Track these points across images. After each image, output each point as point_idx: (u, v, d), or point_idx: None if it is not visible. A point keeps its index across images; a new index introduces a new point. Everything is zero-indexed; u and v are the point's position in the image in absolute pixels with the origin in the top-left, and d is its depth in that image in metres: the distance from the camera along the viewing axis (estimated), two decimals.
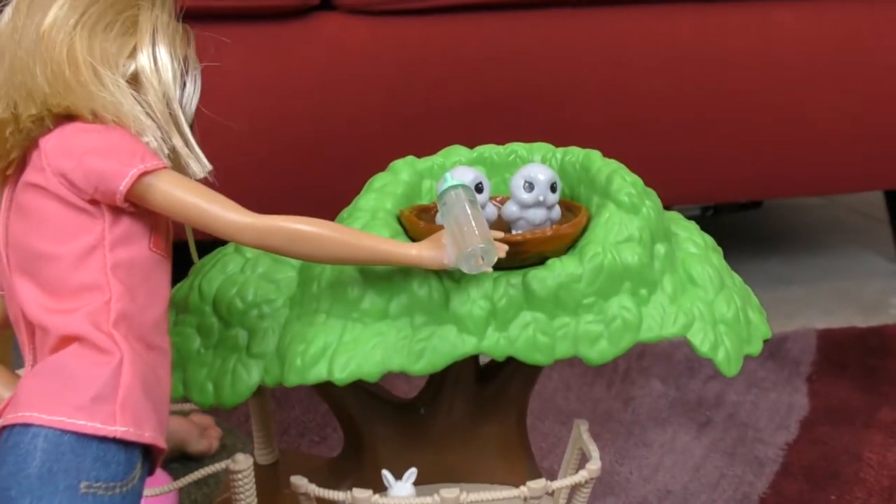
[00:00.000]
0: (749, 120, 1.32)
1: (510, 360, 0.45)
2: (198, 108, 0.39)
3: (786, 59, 1.27)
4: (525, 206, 0.39)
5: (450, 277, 0.38)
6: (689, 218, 0.44)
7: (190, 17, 0.89)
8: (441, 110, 1.16)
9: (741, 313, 0.39)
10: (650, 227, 0.39)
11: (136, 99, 0.35)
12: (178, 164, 0.36)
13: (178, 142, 0.36)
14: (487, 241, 0.35)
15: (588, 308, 0.38)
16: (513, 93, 1.17)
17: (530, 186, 0.39)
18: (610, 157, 0.44)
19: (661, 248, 0.39)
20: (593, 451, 0.42)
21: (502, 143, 0.46)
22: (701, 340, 0.38)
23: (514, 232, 0.40)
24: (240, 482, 0.41)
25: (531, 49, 1.20)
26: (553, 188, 0.40)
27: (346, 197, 0.66)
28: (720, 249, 0.43)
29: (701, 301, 0.39)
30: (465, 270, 0.35)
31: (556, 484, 0.41)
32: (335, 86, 0.99)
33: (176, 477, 0.51)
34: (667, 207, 0.46)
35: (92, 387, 0.32)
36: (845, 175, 1.38)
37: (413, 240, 0.39)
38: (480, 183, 0.39)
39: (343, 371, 0.37)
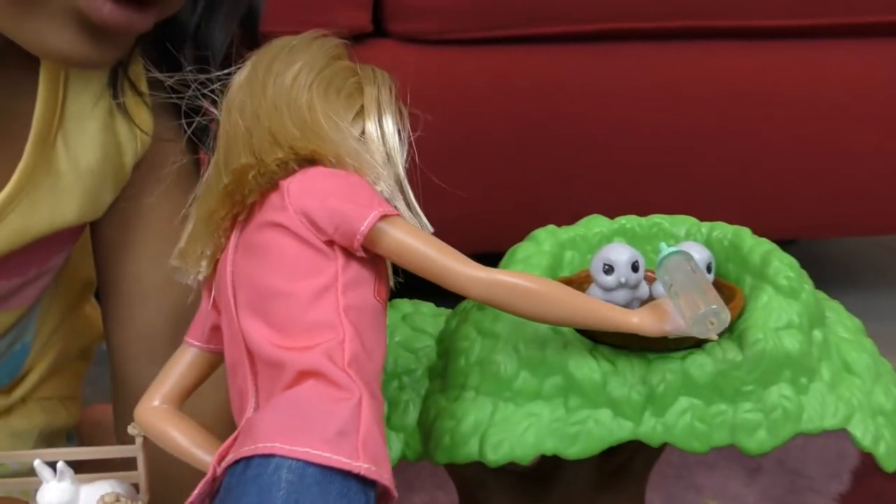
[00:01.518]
0: (794, 159, 1.31)
1: None
2: None
3: (832, 99, 1.26)
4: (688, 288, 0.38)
5: (606, 359, 0.37)
6: None
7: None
8: (489, 139, 1.16)
9: None
10: (809, 312, 0.38)
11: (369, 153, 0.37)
12: None
13: (401, 205, 0.37)
14: (719, 303, 0.34)
15: (747, 396, 0.37)
16: (560, 124, 1.17)
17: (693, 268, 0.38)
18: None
19: (818, 335, 0.38)
20: None
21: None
22: (862, 433, 0.37)
23: None
24: None
25: (580, 82, 1.19)
26: (709, 268, 0.39)
27: None
28: (866, 332, 0.42)
29: (859, 391, 0.38)
30: (696, 334, 0.34)
31: None
32: None
33: None
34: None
35: (335, 421, 0.31)
36: (890, 216, 1.38)
37: None
38: (637, 262, 0.38)
39: (496, 452, 0.36)
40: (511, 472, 0.46)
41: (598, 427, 0.36)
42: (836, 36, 1.20)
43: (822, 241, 1.97)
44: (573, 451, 0.36)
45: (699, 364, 0.37)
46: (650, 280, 0.40)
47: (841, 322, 0.40)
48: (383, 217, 0.35)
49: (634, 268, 0.38)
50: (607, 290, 0.38)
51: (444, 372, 0.39)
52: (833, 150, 1.30)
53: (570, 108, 1.18)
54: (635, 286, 0.38)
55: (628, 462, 0.45)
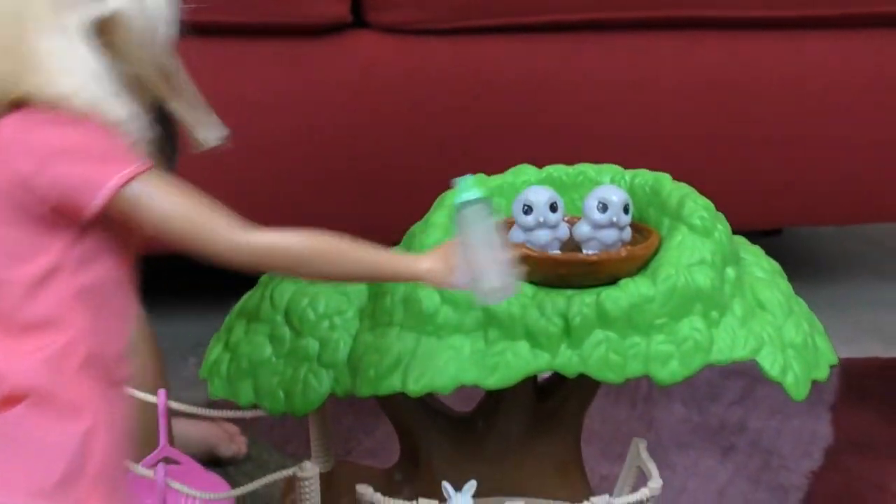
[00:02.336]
0: (772, 147, 1.32)
1: (568, 379, 0.46)
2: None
3: (812, 88, 1.27)
4: (598, 226, 0.40)
5: (525, 294, 0.39)
6: None
7: (224, 32, 0.90)
8: (470, 129, 1.17)
9: (809, 338, 0.40)
10: (722, 250, 0.40)
11: (109, 64, 0.29)
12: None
13: (179, 105, 0.30)
14: (503, 270, 0.33)
15: (660, 329, 0.38)
16: (541, 113, 1.18)
17: (604, 207, 0.40)
18: None
19: (731, 272, 0.40)
20: (653, 469, 0.43)
21: (532, 162, 0.46)
22: (770, 364, 0.39)
23: (585, 252, 0.41)
24: (306, 488, 0.41)
25: (560, 71, 1.20)
26: (626, 210, 0.40)
27: (378, 213, 0.63)
28: (784, 274, 0.43)
29: (770, 325, 0.40)
30: (478, 297, 0.34)
31: (618, 501, 0.41)
32: (366, 103, 1.00)
33: (231, 482, 0.52)
34: None
35: (56, 464, 0.26)
36: (867, 205, 1.39)
37: None
38: (555, 202, 0.40)
39: (417, 383, 0.38)
40: (446, 416, 0.48)
41: (516, 358, 0.38)
42: (818, 27, 1.21)
43: (805, 230, 1.98)
44: (492, 382, 0.38)
45: (613, 298, 0.38)
46: (571, 222, 0.41)
47: (758, 263, 0.42)
48: (127, 181, 0.28)
49: (553, 208, 0.40)
50: (527, 229, 0.40)
51: (372, 312, 0.41)
52: (809, 138, 1.31)
53: (550, 97, 1.19)
54: (555, 226, 0.40)
55: (561, 407, 0.47)
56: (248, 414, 0.48)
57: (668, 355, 0.38)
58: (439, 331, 0.39)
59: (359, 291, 0.42)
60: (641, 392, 1.34)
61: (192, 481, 0.47)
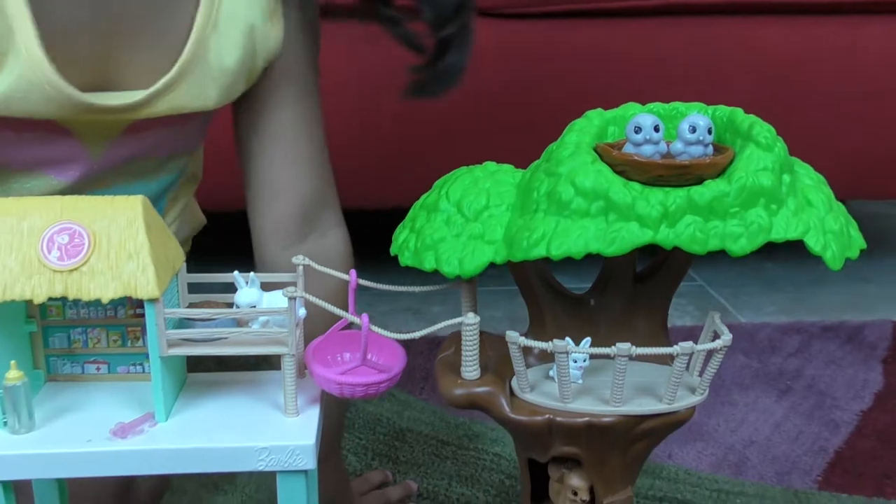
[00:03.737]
0: (835, 125, 1.44)
1: (660, 266, 0.61)
2: None
3: (871, 70, 1.39)
4: (688, 143, 0.54)
5: (635, 189, 0.53)
6: None
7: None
8: (557, 102, 1.32)
9: (845, 228, 0.54)
10: (780, 161, 0.54)
11: None
12: None
13: None
14: None
15: (733, 215, 0.53)
16: (617, 91, 1.32)
17: (693, 129, 0.54)
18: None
19: (787, 178, 0.54)
20: (725, 330, 0.57)
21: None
22: (815, 242, 0.53)
23: (679, 160, 0.55)
24: (469, 334, 0.57)
25: (632, 52, 1.35)
26: (710, 131, 0.55)
27: None
28: (828, 184, 0.57)
29: (815, 217, 0.54)
30: None
31: (699, 346, 0.56)
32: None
33: None
34: None
35: None
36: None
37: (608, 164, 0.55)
38: (658, 125, 0.55)
39: (558, 249, 0.53)
40: (567, 295, 0.63)
41: (629, 234, 0.53)
42: (871, 13, 1.32)
43: (867, 207, 2.08)
44: (611, 250, 0.53)
45: (699, 193, 0.53)
46: (668, 143, 0.56)
47: (808, 174, 0.56)
48: None
49: (656, 129, 0.54)
50: (636, 145, 0.55)
51: (521, 204, 0.56)
52: (871, 116, 1.42)
53: (625, 77, 1.33)
54: (657, 143, 0.55)
55: (654, 288, 0.62)
56: (425, 289, 0.64)
57: (738, 234, 0.53)
58: (573, 215, 0.54)
59: (509, 191, 0.58)
60: None
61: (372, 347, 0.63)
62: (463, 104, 1.26)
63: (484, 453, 1.08)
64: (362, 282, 0.63)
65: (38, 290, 0.56)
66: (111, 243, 0.57)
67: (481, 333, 0.60)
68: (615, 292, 0.62)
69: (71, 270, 0.56)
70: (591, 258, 0.54)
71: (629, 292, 0.62)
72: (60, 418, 0.60)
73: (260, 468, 0.57)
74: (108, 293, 0.56)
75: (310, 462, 0.57)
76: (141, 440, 0.58)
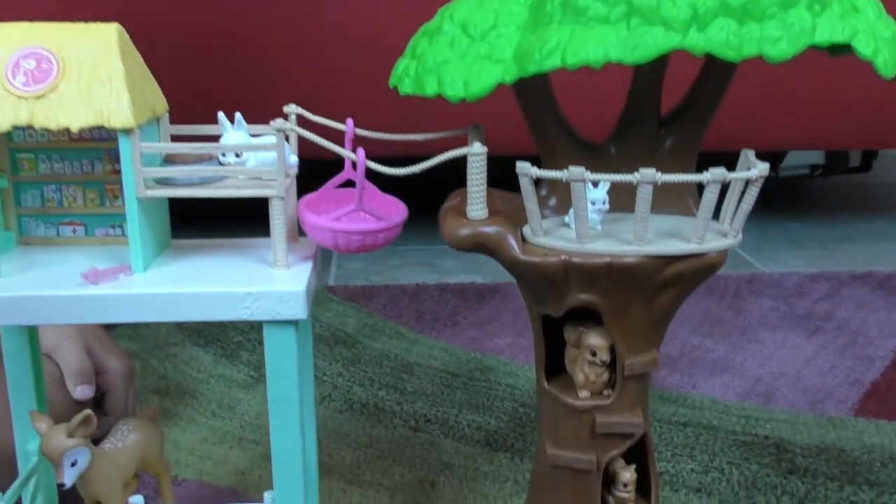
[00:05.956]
0: (863, 74, 1.38)
1: (684, 110, 0.55)
2: None
3: None
4: None
5: None
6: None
7: None
8: None
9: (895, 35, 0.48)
10: None
11: None
12: None
13: None
14: None
15: (772, 16, 0.47)
16: None
17: None
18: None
19: None
20: (759, 163, 0.51)
21: None
22: (864, 46, 0.47)
23: None
24: (476, 163, 0.51)
25: None
26: None
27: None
28: None
29: (864, 22, 0.48)
30: None
31: (732, 175, 0.50)
32: None
33: None
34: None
35: None
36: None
37: None
38: None
39: (574, 58, 0.47)
40: (585, 145, 0.57)
41: (653, 39, 0.47)
42: None
43: (894, 171, 2.02)
44: (633, 58, 0.47)
45: None
46: None
47: None
48: None
49: None
50: None
51: (534, 21, 0.51)
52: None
53: None
54: None
55: (678, 130, 0.56)
56: (420, 137, 0.58)
57: (778, 38, 0.47)
58: (590, 22, 0.48)
59: (521, 12, 0.52)
60: (730, 289, 1.41)
61: (371, 200, 0.57)
62: None
63: (496, 385, 1.02)
64: (359, 131, 0.58)
65: (2, 118, 0.51)
66: (82, 69, 0.52)
67: (490, 188, 0.54)
68: (638, 137, 0.56)
69: (38, 97, 0.51)
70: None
71: (652, 138, 0.56)
72: (30, 270, 0.55)
73: (245, 317, 0.52)
74: (77, 121, 0.51)
75: (300, 311, 0.52)
76: (115, 286, 0.52)
